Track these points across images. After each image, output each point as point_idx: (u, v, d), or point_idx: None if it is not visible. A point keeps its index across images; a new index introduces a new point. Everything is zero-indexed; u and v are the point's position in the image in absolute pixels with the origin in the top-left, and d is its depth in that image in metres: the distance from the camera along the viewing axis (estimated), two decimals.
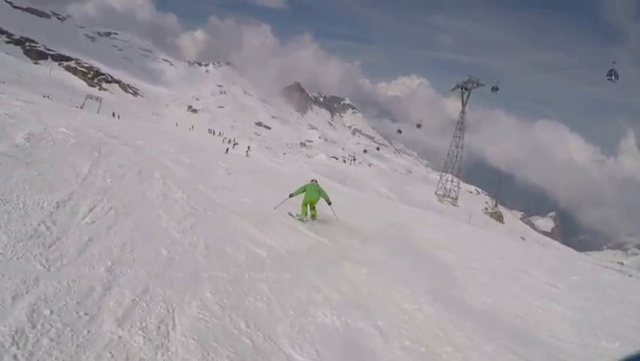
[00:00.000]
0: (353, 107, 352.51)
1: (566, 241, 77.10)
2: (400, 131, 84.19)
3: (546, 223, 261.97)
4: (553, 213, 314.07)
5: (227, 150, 44.60)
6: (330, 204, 10.61)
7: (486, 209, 79.17)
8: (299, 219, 10.11)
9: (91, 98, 55.34)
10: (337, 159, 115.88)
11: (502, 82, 70.51)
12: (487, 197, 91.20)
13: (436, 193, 72.19)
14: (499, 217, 77.54)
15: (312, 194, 10.35)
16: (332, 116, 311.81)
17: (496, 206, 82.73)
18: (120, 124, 26.03)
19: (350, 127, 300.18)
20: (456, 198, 71.17)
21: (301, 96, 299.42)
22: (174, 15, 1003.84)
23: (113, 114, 52.83)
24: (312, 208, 10.45)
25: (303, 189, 10.45)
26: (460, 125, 74.58)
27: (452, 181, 73.95)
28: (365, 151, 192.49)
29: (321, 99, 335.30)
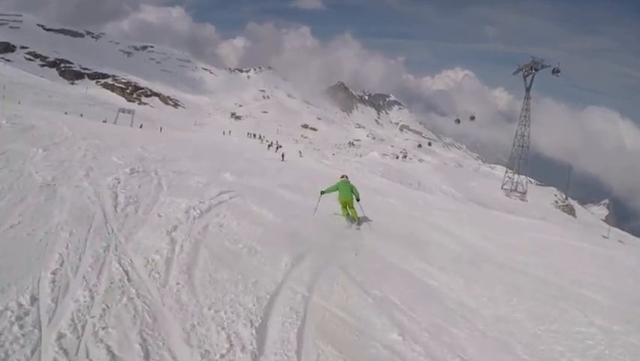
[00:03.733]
0: (399, 104, 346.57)
1: (620, 228, 69.74)
2: (458, 121, 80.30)
3: (600, 211, 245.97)
4: (606, 201, 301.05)
5: (283, 155, 42.77)
6: (358, 200, 10.07)
7: (556, 202, 73.10)
8: (347, 219, 10.03)
9: (123, 112, 55.83)
10: (390, 156, 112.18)
11: (548, 71, 65.86)
12: (554, 189, 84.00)
13: (502, 188, 67.34)
14: (570, 211, 71.30)
15: (345, 192, 9.95)
16: (378, 114, 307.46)
17: (566, 199, 76.25)
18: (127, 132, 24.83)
19: (397, 123, 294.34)
20: (525, 193, 66.04)
21: (346, 95, 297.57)
22: (212, 25, 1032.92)
23: (141, 126, 52.83)
24: (351, 208, 10.03)
25: (336, 188, 10.14)
26: (526, 113, 69.58)
27: (518, 174, 68.96)
28: (419, 146, 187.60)
29: (366, 97, 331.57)
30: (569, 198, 77.12)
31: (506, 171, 72.07)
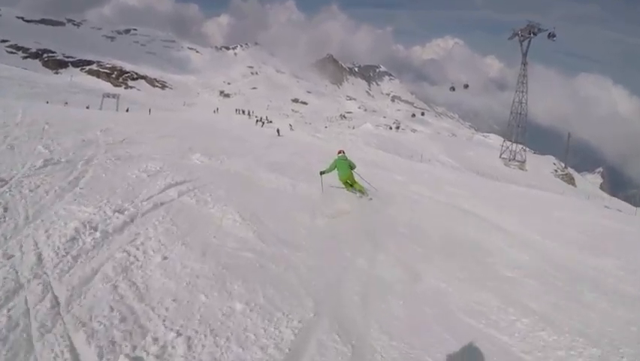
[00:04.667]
0: (389, 74, 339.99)
1: (614, 196, 69.08)
2: (453, 89, 77.97)
3: (595, 179, 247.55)
4: (600, 169, 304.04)
5: (278, 131, 40.68)
6: (353, 168, 10.01)
7: (555, 171, 71.32)
8: (358, 195, 9.61)
9: (107, 96, 52.73)
10: (383, 127, 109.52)
11: (541, 37, 63.47)
12: (553, 157, 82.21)
13: (500, 157, 65.30)
14: (570, 180, 69.69)
15: (344, 169, 9.77)
16: (369, 85, 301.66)
17: (565, 168, 74.51)
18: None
19: (388, 94, 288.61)
20: (524, 162, 64.10)
21: (335, 68, 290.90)
22: (195, 4, 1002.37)
23: (127, 110, 49.64)
24: (354, 183, 9.89)
25: (335, 166, 9.89)
26: (523, 79, 66.90)
27: (516, 143, 67.00)
28: (413, 115, 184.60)
29: (356, 69, 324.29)
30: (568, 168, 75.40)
31: (504, 141, 69.88)
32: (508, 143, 67.28)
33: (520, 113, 66.98)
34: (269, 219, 6.30)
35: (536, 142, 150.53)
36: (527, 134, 69.35)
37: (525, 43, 65.23)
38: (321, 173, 9.88)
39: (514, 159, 64.88)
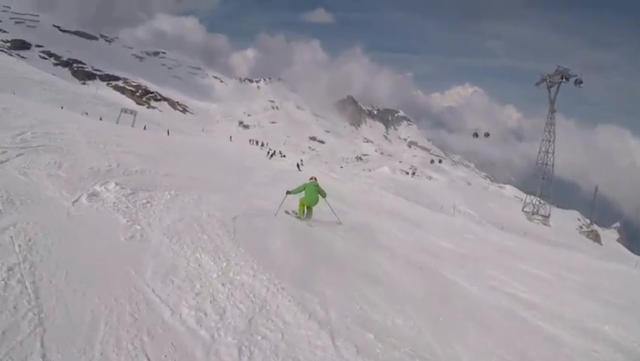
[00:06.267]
0: (407, 120, 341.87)
1: (631, 252, 64.88)
2: (476, 135, 76.28)
3: (612, 234, 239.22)
4: (617, 224, 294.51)
5: (299, 165, 39.44)
6: (324, 197, 10.33)
7: (580, 227, 67.81)
8: (296, 217, 9.86)
9: (125, 112, 52.41)
10: (399, 172, 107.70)
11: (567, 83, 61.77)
12: (577, 213, 78.83)
13: (522, 210, 62.30)
14: (596, 237, 66.01)
15: (312, 195, 9.96)
16: (387, 129, 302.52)
17: (591, 224, 71.05)
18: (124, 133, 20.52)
19: (405, 139, 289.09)
20: (547, 217, 60.95)
21: (355, 109, 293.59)
22: (224, 35, 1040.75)
23: (145, 127, 49.88)
24: (309, 208, 10.08)
25: (303, 188, 10.01)
26: (550, 128, 64.58)
27: (540, 197, 64.04)
28: (432, 162, 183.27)
29: (375, 112, 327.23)
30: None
31: (527, 195, 66.85)
32: (532, 196, 64.38)
33: (547, 164, 64.32)
34: None
35: (555, 194, 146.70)
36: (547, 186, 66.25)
37: (553, 89, 63.31)
38: (288, 192, 10.04)
39: (537, 212, 61.86)
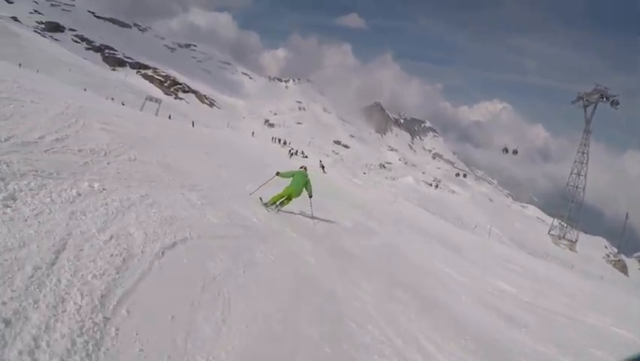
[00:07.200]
0: (434, 131, 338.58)
1: None
2: (506, 150, 75.80)
3: (633, 264, 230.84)
4: (639, 254, 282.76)
5: (323, 168, 38.59)
6: (310, 197, 9.66)
7: (607, 256, 65.68)
8: (263, 205, 8.91)
9: (150, 100, 52.43)
10: (422, 183, 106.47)
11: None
12: (604, 240, 76.42)
13: (549, 233, 60.62)
14: (622, 268, 63.83)
15: (297, 185, 9.24)
16: (412, 139, 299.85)
17: (619, 253, 68.70)
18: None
19: (430, 151, 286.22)
20: (575, 242, 59.15)
21: (381, 117, 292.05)
22: (257, 33, 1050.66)
23: (169, 117, 49.59)
24: (288, 200, 9.33)
25: (292, 175, 9.49)
26: (584, 149, 62.52)
27: (568, 221, 62.19)
28: (457, 175, 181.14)
29: (402, 121, 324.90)
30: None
31: (554, 219, 64.90)
32: (558, 219, 62.57)
33: (578, 187, 62.34)
34: None
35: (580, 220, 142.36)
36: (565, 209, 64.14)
37: (590, 108, 61.44)
38: (277, 173, 9.61)
39: (564, 237, 60.09)
